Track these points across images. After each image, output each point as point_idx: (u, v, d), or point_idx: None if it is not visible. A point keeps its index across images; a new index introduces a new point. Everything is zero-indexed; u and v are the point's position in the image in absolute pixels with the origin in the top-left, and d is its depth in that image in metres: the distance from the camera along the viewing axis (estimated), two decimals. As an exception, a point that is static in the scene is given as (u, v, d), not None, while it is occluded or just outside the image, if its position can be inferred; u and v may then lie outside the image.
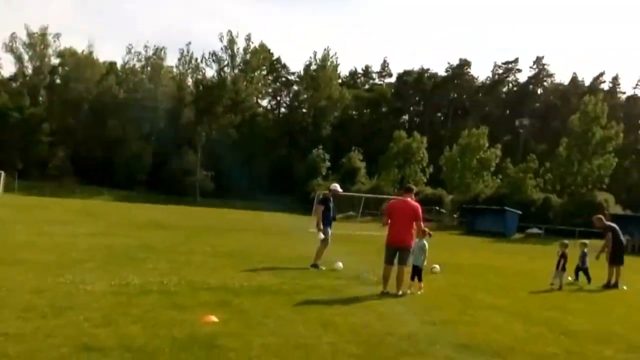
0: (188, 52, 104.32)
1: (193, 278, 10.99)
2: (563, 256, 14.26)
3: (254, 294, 9.84)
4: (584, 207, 47.51)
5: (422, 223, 11.42)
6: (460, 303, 10.49)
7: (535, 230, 48.07)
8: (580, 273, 15.55)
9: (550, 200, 53.82)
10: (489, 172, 68.85)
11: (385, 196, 52.27)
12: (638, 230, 39.14)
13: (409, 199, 11.39)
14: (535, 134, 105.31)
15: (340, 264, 14.54)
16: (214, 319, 7.48)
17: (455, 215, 61.38)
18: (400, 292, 10.88)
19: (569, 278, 15.02)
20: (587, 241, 16.77)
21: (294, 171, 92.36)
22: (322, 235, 14.70)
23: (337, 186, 16.09)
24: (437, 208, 63.59)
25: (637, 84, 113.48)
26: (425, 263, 11.76)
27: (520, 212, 50.33)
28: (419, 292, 11.29)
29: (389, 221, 11.34)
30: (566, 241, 15.10)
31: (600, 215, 16.62)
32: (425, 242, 11.72)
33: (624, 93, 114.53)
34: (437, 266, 14.90)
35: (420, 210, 11.30)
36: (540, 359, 6.75)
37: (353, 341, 6.92)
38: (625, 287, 14.91)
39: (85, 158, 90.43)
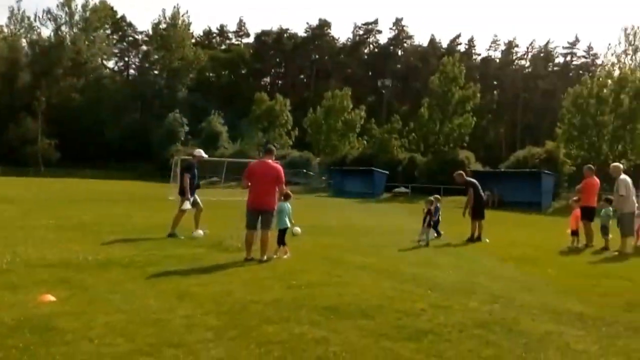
0: (19, 10, 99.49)
1: (30, 255, 10.07)
2: (429, 213, 14.59)
3: (101, 268, 9.18)
4: (447, 165, 49.33)
5: (284, 185, 11.17)
6: (328, 265, 10.38)
7: (402, 189, 49.58)
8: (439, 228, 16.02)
9: (415, 160, 55.68)
10: (354, 133, 70.03)
11: (250, 160, 51.23)
12: (497, 186, 41.19)
13: (269, 161, 11.02)
14: (398, 95, 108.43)
15: (201, 232, 14.11)
16: (51, 298, 6.82)
17: (323, 178, 62.19)
18: (265, 257, 10.60)
19: (435, 235, 15.37)
20: (439, 196, 17.30)
21: (149, 137, 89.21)
22: (187, 205, 14.18)
23: (201, 152, 15.61)
24: (305, 171, 64.06)
25: (490, 46, 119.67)
26: (290, 226, 11.62)
27: (387, 172, 51.84)
28: (285, 257, 11.09)
29: (250, 184, 10.94)
30: (431, 198, 15.44)
31: (461, 171, 17.14)
32: (288, 204, 11.54)
33: (479, 55, 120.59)
34: (297, 228, 14.68)
35: (282, 172, 11.01)
36: (408, 315, 6.69)
37: (212, 312, 6.57)
38: (487, 240, 15.51)
39: None
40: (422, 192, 46.18)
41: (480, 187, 16.37)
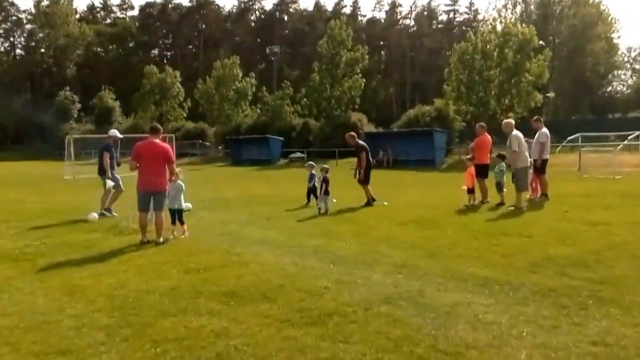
0: None
1: None
2: (324, 181, 14.31)
3: (-12, 264, 8.50)
4: (339, 128, 49.43)
5: (174, 165, 10.64)
6: (227, 242, 9.96)
7: (297, 155, 49.44)
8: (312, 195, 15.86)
9: (309, 125, 55.56)
10: (247, 101, 69.21)
11: (144, 135, 50.69)
12: (391, 146, 41.65)
13: (157, 141, 10.49)
14: (288, 61, 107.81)
15: (95, 215, 13.49)
16: None
17: (220, 147, 61.65)
18: (162, 240, 10.17)
19: (331, 200, 15.00)
20: (313, 163, 17.11)
21: (42, 116, 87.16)
22: (110, 183, 14.20)
23: (115, 132, 15.75)
24: (201, 141, 63.63)
25: (374, 7, 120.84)
26: (184, 204, 11.12)
27: (282, 138, 51.64)
28: (183, 236, 10.68)
29: (138, 166, 10.33)
30: (326, 166, 15.18)
31: (353, 133, 16.73)
32: (181, 182, 11.01)
33: (364, 16, 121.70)
34: (188, 204, 14.14)
35: (171, 151, 10.54)
36: (312, 295, 6.38)
37: (104, 309, 6.06)
38: (385, 203, 15.38)
39: None
40: (317, 156, 46.61)
41: (369, 151, 16.20)
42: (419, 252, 8.68)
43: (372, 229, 11.28)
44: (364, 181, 15.58)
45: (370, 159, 16.17)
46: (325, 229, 11.32)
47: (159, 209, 10.31)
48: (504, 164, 14.88)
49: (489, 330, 5.21)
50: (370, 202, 15.38)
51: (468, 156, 15.65)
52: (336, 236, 10.39)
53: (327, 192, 14.26)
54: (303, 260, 8.24)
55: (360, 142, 16.31)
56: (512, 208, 13.52)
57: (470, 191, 14.67)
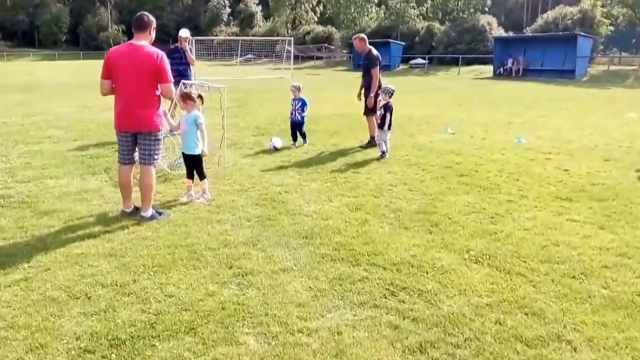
0: None
1: None
2: (387, 109, 8.45)
3: None
4: (466, 32, 42.47)
5: (171, 84, 5.33)
6: (252, 228, 5.11)
7: (419, 61, 43.46)
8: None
9: (433, 29, 48.93)
10: (372, 4, 65.04)
11: (278, 38, 47.76)
12: (522, 53, 34.14)
13: (142, 44, 5.23)
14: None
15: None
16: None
17: (344, 51, 58.07)
18: (149, 213, 5.42)
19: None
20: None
21: (199, 20, 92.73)
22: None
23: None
24: (326, 45, 60.69)
25: None
26: (205, 148, 6.06)
27: (403, 43, 46.17)
28: (200, 200, 6.00)
29: (114, 87, 5.27)
30: (391, 86, 8.76)
31: (363, 35, 9.95)
32: (198, 112, 5.99)
33: None
34: (277, 139, 9.40)
35: (164, 61, 5.20)
36: None
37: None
38: (524, 140, 9.80)
39: (10, 23, 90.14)
40: (439, 62, 41.52)
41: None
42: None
43: (512, 210, 5.61)
44: (373, 109, 9.22)
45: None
46: (424, 204, 5.82)
47: (146, 161, 5.38)
48: None
49: None
50: (373, 141, 9.37)
51: None
52: (443, 228, 5.03)
53: (389, 126, 8.49)
54: (359, 328, 3.17)
55: (374, 50, 9.65)
56: None
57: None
